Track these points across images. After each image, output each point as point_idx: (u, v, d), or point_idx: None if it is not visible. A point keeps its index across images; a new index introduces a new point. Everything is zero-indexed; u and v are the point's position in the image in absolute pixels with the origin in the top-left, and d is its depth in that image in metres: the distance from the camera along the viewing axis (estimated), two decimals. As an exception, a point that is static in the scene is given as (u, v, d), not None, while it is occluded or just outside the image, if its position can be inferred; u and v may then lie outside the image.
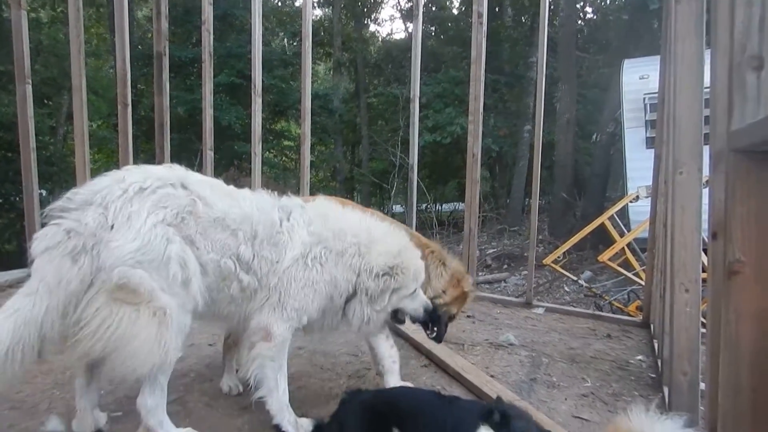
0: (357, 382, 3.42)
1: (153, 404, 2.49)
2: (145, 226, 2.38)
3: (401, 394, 2.62)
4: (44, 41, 15.13)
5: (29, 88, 5.47)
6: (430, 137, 17.10)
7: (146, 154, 14.27)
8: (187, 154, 15.86)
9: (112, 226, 2.34)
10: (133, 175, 2.51)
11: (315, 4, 23.17)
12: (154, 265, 2.36)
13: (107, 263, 2.29)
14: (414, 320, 3.06)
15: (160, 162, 6.60)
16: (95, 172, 2.93)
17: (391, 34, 28.29)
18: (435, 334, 3.37)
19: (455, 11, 23.53)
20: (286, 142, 22.15)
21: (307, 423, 2.67)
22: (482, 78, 5.55)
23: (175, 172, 2.63)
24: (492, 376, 3.55)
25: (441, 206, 21.41)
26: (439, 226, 17.46)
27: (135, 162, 6.29)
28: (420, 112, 6.09)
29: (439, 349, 3.88)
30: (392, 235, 2.94)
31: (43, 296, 2.24)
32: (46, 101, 15.26)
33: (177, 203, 2.49)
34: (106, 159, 15.78)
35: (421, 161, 6.50)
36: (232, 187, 2.83)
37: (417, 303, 2.94)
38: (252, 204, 2.72)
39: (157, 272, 2.37)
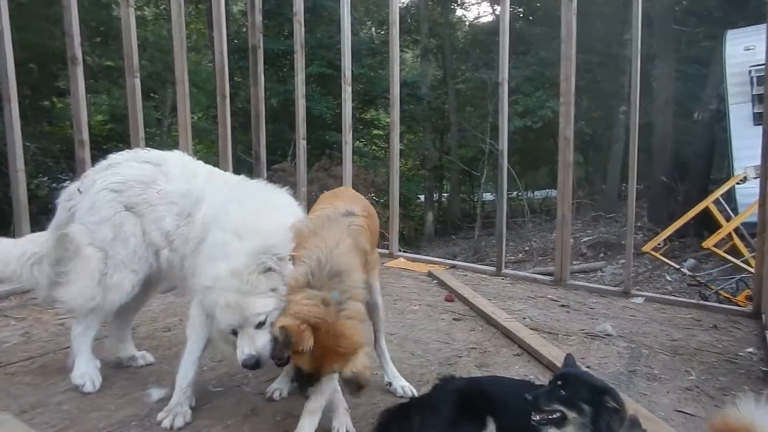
0: (449, 368, 3.42)
1: (78, 333, 3.01)
2: (94, 190, 2.94)
3: (495, 383, 2.60)
4: (149, 38, 16.01)
5: (138, 82, 5.77)
6: (520, 122, 16.74)
7: (243, 144, 14.81)
8: (281, 144, 16.36)
9: (79, 191, 3.01)
10: (122, 154, 3.13)
11: (402, -9, 23.15)
12: (93, 225, 2.91)
13: (74, 220, 2.98)
14: None
15: (257, 152, 6.84)
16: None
17: (478, 17, 27.72)
18: None
19: (545, -10, 22.80)
20: (375, 131, 22.34)
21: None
22: (573, 58, 5.34)
23: (160, 153, 3.10)
24: (588, 367, 3.45)
25: (533, 193, 20.95)
26: (531, 213, 17.11)
27: (233, 152, 6.55)
28: (509, 96, 5.95)
29: (532, 339, 3.81)
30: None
31: (50, 235, 3.12)
32: (152, 95, 16.19)
33: (130, 173, 2.94)
34: (207, 149, 16.53)
35: (512, 147, 6.40)
36: (218, 171, 3.17)
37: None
38: (201, 184, 2.91)
39: (96, 230, 2.91)
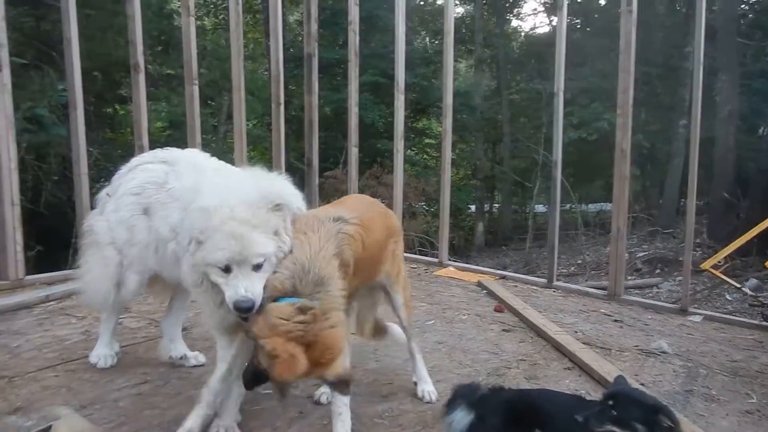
0: (497, 379, 3.37)
1: (102, 319, 3.41)
2: (118, 194, 3.12)
3: (544, 397, 2.54)
4: (208, 47, 16.43)
5: (196, 89, 5.94)
6: (575, 134, 16.40)
7: (296, 151, 15.03)
8: (333, 152, 16.51)
9: (108, 195, 3.21)
10: (143, 156, 3.32)
11: (457, 2, 23.11)
12: (114, 224, 3.09)
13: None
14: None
15: (309, 159, 6.93)
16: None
17: (534, 28, 27.43)
18: None
19: (602, 1, 22.37)
20: (427, 140, 22.30)
21: None
22: (632, 69, 5.23)
23: (176, 152, 3.18)
24: (642, 385, 3.34)
25: (587, 206, 20.52)
26: (585, 226, 16.75)
27: (286, 159, 6.66)
28: (564, 107, 5.87)
29: (584, 353, 3.73)
30: None
31: None
32: (209, 102, 16.59)
33: (145, 176, 3.04)
34: (261, 156, 16.81)
35: (566, 159, 6.26)
36: (227, 166, 3.18)
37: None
38: (205, 177, 2.84)
39: (115, 230, 3.09)
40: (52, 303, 4.57)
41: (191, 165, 3.03)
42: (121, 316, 3.75)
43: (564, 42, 5.63)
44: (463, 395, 2.52)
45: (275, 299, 2.20)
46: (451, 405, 2.54)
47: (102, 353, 3.37)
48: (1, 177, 4.87)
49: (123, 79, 12.66)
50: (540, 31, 25.86)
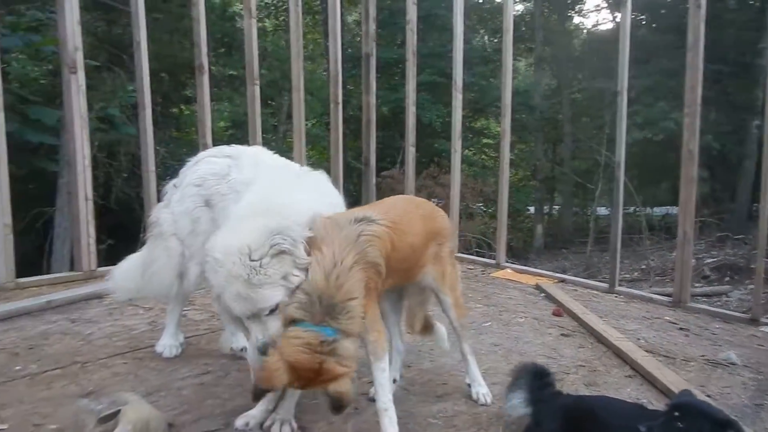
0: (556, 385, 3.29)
1: (168, 310, 3.56)
2: (183, 184, 3.21)
3: (603, 404, 2.46)
4: (269, 48, 16.76)
5: (257, 89, 6.05)
6: (640, 134, 15.89)
7: (353, 151, 15.14)
8: (390, 151, 16.58)
9: (174, 186, 3.32)
10: (209, 150, 3.46)
11: (516, -1, 22.81)
12: (178, 215, 3.20)
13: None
14: None
15: (367, 158, 6.97)
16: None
17: (597, 25, 26.83)
18: None
19: (670, -4, 21.59)
20: (485, 140, 22.10)
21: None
22: (700, 66, 5.00)
23: (240, 147, 3.30)
24: (708, 396, 3.20)
25: (652, 209, 19.88)
26: (650, 230, 16.20)
27: (344, 158, 6.72)
28: (628, 107, 5.68)
29: (646, 361, 3.60)
30: None
31: None
32: (269, 102, 16.94)
33: (208, 168, 3.14)
34: (319, 155, 17.05)
35: (630, 160, 6.06)
36: (285, 162, 3.27)
37: None
38: (261, 171, 2.92)
39: (179, 221, 3.19)
40: (121, 294, 4.78)
41: (252, 159, 3.10)
42: (185, 308, 3.86)
43: (628, 39, 5.45)
44: (525, 384, 2.52)
45: (287, 326, 2.27)
46: (511, 387, 2.55)
47: (167, 343, 3.49)
48: (76, 173, 5.15)
49: (188, 80, 13.08)
50: (603, 27, 25.28)
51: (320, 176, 2.99)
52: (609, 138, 15.77)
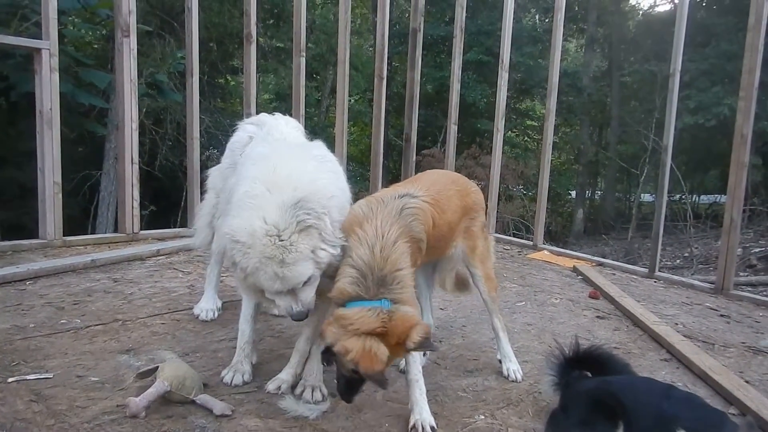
0: (585, 366, 3.28)
1: (207, 272, 3.68)
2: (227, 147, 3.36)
3: (627, 386, 2.40)
4: (317, 21, 16.77)
5: (303, 61, 6.10)
6: (691, 119, 15.41)
7: (395, 128, 15.12)
8: (432, 130, 16.50)
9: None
10: (250, 118, 3.57)
11: (571, -22, 22.18)
12: (215, 171, 3.42)
13: None
14: None
15: (408, 135, 6.96)
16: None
17: (654, 6, 25.99)
18: None
19: (732, -23, 20.73)
20: (529, 122, 21.74)
21: None
22: (760, 48, 4.82)
23: (266, 117, 3.34)
24: (747, 382, 3.14)
25: (698, 197, 19.34)
26: (695, 218, 15.78)
27: (386, 134, 6.73)
28: (681, 91, 5.53)
29: (683, 345, 3.55)
30: None
31: None
32: (314, 75, 16.99)
33: (239, 134, 3.26)
34: (360, 131, 17.08)
35: (679, 146, 5.89)
36: (301, 138, 3.23)
37: None
38: (278, 144, 2.89)
39: (215, 177, 3.39)
40: (162, 257, 4.97)
41: (267, 133, 3.11)
42: (223, 274, 3.97)
43: (685, 20, 5.28)
44: (554, 367, 2.55)
45: (343, 304, 2.26)
46: (544, 370, 2.62)
47: (205, 307, 3.60)
48: (124, 136, 5.30)
49: (235, 50, 13.21)
50: (661, 8, 24.48)
51: (319, 144, 2.93)
52: (658, 123, 15.36)
